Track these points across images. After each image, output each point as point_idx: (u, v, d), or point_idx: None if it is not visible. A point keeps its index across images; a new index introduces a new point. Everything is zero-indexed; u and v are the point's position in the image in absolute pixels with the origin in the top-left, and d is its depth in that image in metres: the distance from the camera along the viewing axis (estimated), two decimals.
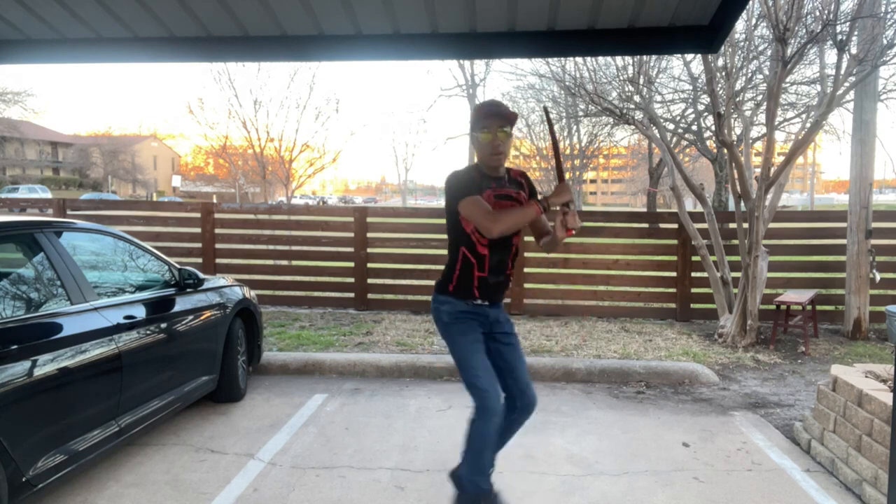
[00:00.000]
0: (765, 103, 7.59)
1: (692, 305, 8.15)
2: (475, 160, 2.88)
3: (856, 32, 6.70)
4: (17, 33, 3.38)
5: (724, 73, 7.06)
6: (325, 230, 8.82)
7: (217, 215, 8.74)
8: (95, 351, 3.29)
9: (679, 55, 11.99)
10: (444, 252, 9.65)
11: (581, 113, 15.28)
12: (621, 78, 8.34)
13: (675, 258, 8.15)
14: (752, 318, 6.83)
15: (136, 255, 4.30)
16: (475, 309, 2.83)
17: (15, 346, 2.83)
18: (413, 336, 6.97)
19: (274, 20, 3.14)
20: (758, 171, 6.84)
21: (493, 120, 2.70)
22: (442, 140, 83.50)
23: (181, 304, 4.29)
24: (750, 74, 10.46)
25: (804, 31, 6.44)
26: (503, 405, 2.77)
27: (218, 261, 8.73)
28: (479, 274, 2.79)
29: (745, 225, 6.89)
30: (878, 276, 7.27)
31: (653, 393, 5.40)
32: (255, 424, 4.51)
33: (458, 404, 5.00)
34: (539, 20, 3.09)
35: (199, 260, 8.60)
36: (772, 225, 7.35)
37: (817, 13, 6.41)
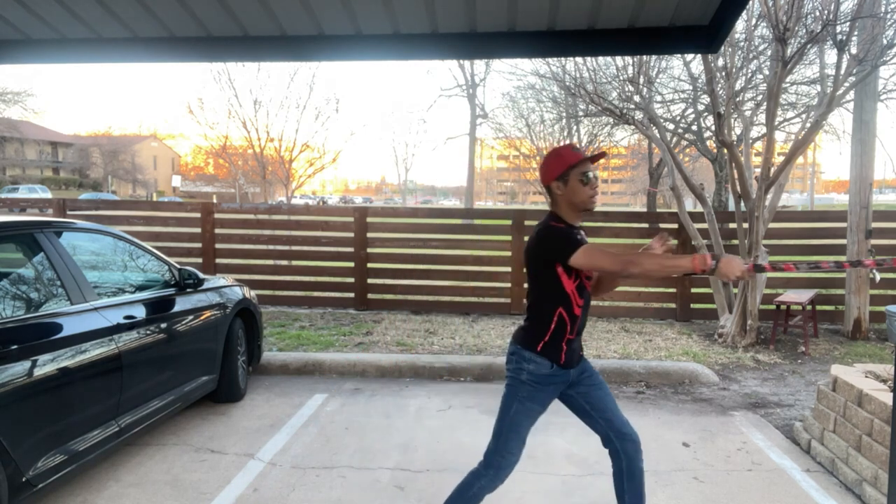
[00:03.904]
0: (765, 103, 7.58)
1: (692, 305, 8.16)
2: (557, 206, 2.62)
3: (856, 32, 6.69)
4: (17, 33, 3.38)
5: (724, 73, 7.06)
6: (325, 230, 8.82)
7: (217, 215, 8.74)
8: (95, 351, 3.29)
9: (679, 55, 11.98)
10: (444, 252, 9.58)
11: (581, 113, 15.25)
12: (621, 78, 8.34)
13: None
14: (752, 317, 6.83)
15: (135, 255, 4.30)
16: (558, 373, 2.61)
17: (15, 346, 2.83)
18: (413, 336, 6.97)
19: (274, 20, 3.14)
20: (758, 171, 6.83)
21: (587, 164, 2.57)
22: (442, 140, 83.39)
23: (181, 304, 4.29)
24: (750, 74, 10.44)
25: (804, 31, 6.44)
26: (619, 455, 2.62)
27: (218, 261, 8.73)
28: (568, 336, 2.60)
29: (745, 225, 6.90)
30: (878, 276, 7.24)
31: (653, 393, 5.40)
32: (255, 424, 4.51)
33: (458, 404, 5.00)
34: (539, 20, 3.09)
35: (199, 260, 8.60)
36: (772, 225, 7.35)
37: (817, 13, 6.41)
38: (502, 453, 2.61)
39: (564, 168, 2.54)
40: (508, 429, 2.60)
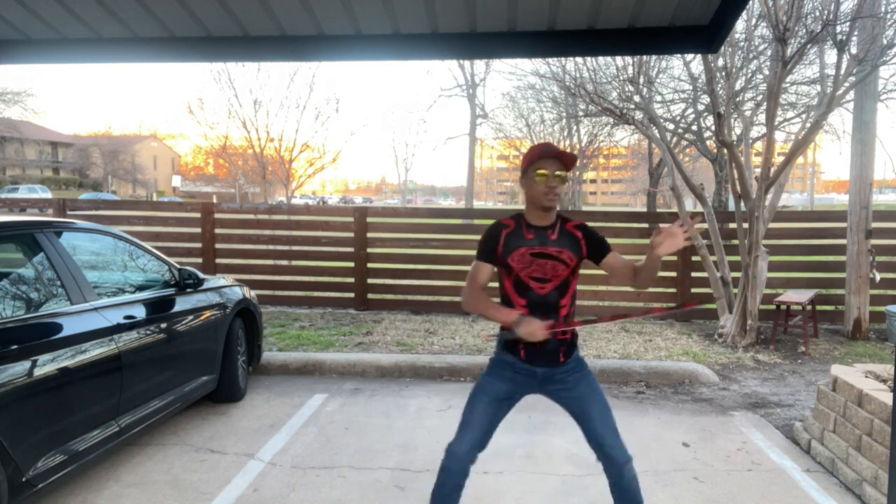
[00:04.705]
0: (765, 103, 7.59)
1: None
2: (526, 203, 2.59)
3: (856, 32, 6.69)
4: (17, 33, 3.39)
5: (724, 73, 7.06)
6: (325, 230, 8.82)
7: (217, 215, 8.74)
8: (95, 351, 3.29)
9: (679, 55, 11.99)
10: (445, 252, 9.57)
11: (581, 113, 15.26)
12: (621, 78, 8.34)
13: (675, 258, 8.14)
14: (752, 318, 6.83)
15: (135, 255, 4.30)
16: (519, 363, 2.58)
17: (15, 346, 2.83)
18: (413, 336, 6.97)
19: (274, 20, 3.14)
20: (758, 171, 6.84)
21: (549, 161, 2.48)
22: (442, 140, 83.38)
23: (181, 304, 4.29)
24: (750, 74, 10.45)
25: (804, 31, 6.44)
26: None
27: (218, 261, 8.73)
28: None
29: (745, 225, 6.89)
30: (878, 276, 7.27)
31: (653, 393, 5.40)
32: (255, 424, 4.51)
33: (458, 404, 4.99)
34: (539, 20, 3.09)
35: (199, 260, 8.60)
36: (772, 225, 7.35)
37: (817, 13, 6.41)
38: (458, 427, 2.66)
39: (526, 164, 2.55)
40: (468, 400, 2.69)
